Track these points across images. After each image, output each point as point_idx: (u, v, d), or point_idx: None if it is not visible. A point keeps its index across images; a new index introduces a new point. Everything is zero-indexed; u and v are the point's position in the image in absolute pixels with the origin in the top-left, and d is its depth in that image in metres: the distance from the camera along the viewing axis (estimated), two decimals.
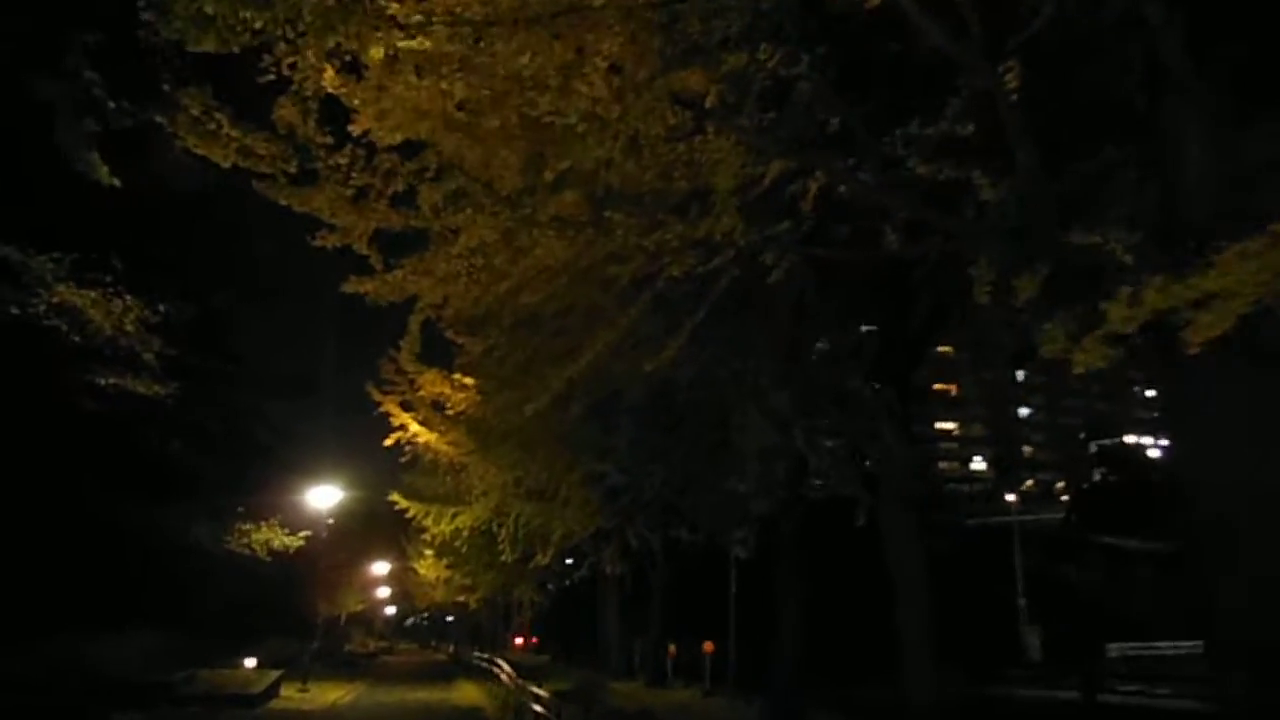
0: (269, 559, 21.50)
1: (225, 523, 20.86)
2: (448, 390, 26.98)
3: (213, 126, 5.80)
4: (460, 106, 6.59)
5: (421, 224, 7.66)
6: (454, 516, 27.38)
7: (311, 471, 24.56)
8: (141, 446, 15.61)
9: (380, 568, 58.54)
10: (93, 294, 12.54)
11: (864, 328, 11.84)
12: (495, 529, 27.27)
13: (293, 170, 6.35)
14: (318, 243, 7.47)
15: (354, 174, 6.73)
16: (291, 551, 21.69)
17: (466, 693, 24.44)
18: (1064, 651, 29.33)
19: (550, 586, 47.27)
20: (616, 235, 7.48)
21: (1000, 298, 6.75)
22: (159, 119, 8.26)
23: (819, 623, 16.35)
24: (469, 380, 26.91)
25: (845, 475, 11.78)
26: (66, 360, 12.76)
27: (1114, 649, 27.93)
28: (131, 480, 17.51)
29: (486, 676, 27.21)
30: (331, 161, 6.49)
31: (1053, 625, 31.38)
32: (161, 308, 13.45)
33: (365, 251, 7.93)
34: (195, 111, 5.76)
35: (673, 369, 13.03)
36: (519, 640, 67.71)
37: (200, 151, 6.05)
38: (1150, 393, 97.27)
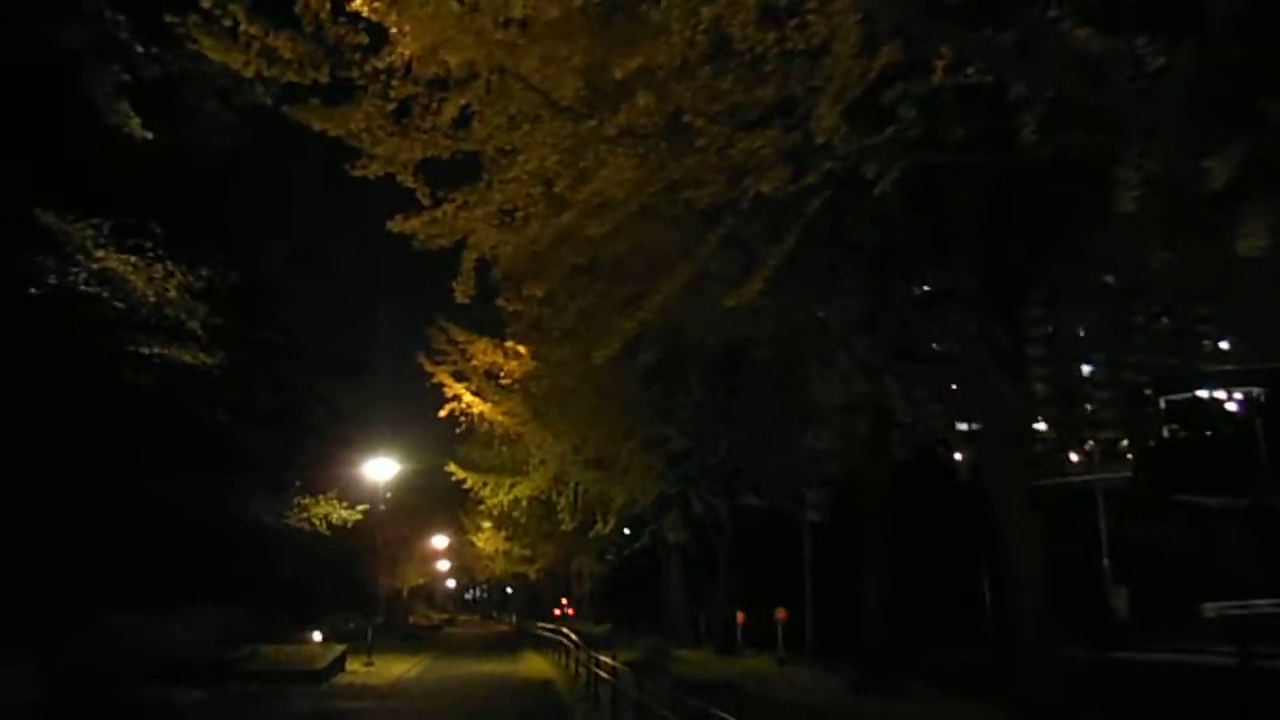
0: (328, 534, 21.17)
1: (284, 497, 20.54)
2: (500, 359, 26.44)
3: (229, 23, 4.96)
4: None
5: (473, 147, 6.76)
6: (511, 486, 26.88)
7: (367, 445, 24.20)
8: (197, 421, 15.19)
9: (439, 541, 59.16)
10: (133, 259, 11.97)
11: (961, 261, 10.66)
12: (554, 498, 26.71)
13: (324, 79, 5.47)
14: (357, 172, 6.62)
15: (394, 84, 5.83)
16: (349, 525, 21.34)
17: (533, 664, 24.02)
18: (1153, 612, 27.90)
19: (609, 556, 47.06)
20: (695, 148, 6.50)
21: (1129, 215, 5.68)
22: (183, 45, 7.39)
23: (903, 586, 15.33)
24: (523, 348, 26.30)
25: (942, 426, 10.69)
26: (110, 329, 12.24)
27: (1209, 608, 26.41)
28: (189, 456, 17.18)
29: (552, 647, 26.79)
30: (368, 67, 5.60)
31: (1139, 586, 29.88)
32: (204, 273, 12.85)
33: (410, 184, 7.07)
34: (207, 4, 4.91)
35: (749, 319, 12.08)
36: (557, 611, 67.91)
37: (217, 57, 5.22)
38: (1224, 344, 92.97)
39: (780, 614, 19.95)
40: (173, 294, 12.35)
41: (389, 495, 24.37)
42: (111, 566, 16.34)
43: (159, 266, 12.17)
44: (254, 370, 17.08)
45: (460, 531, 57.31)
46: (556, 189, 7.06)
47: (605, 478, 22.36)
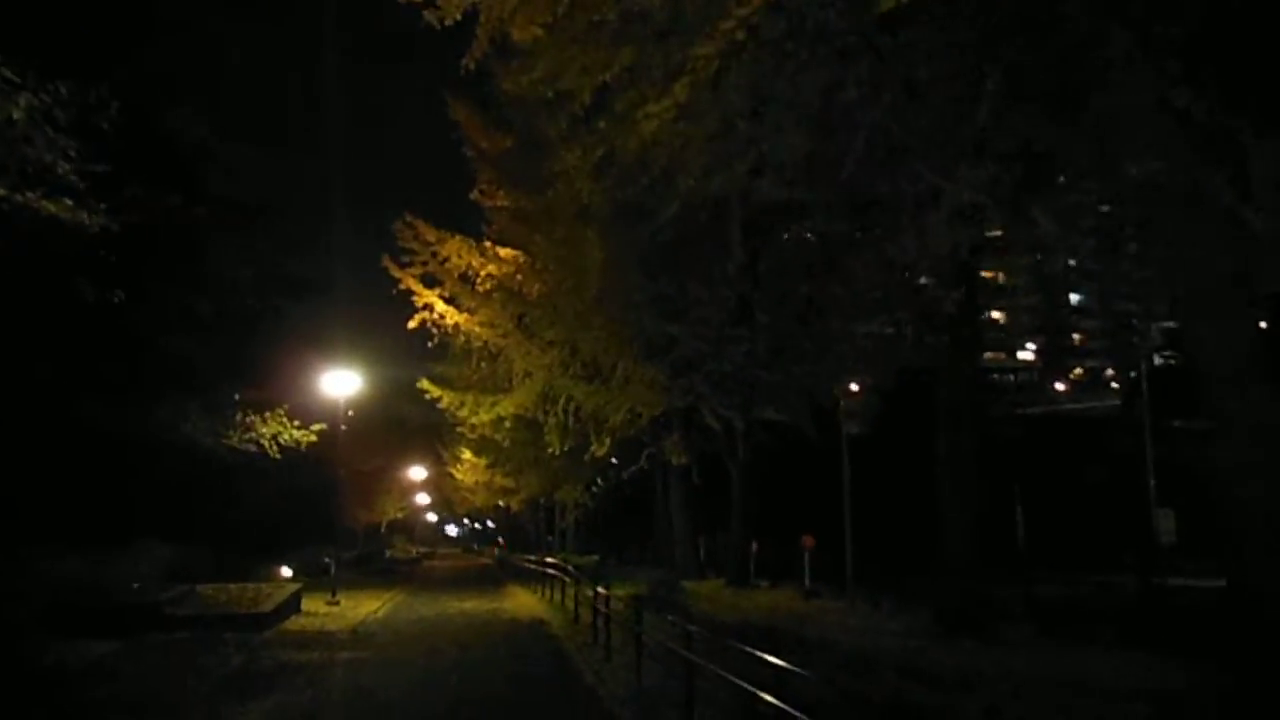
0: (278, 456, 18.07)
1: (223, 415, 17.37)
2: (477, 261, 23.09)
3: None
4: None
5: None
6: (493, 405, 23.87)
7: (322, 356, 20.97)
8: (84, 306, 11.98)
9: (417, 473, 56.67)
10: None
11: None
12: (541, 417, 23.77)
13: None
14: None
15: None
16: (304, 447, 18.20)
17: (519, 600, 21.31)
18: (1197, 535, 25.75)
19: (595, 486, 44.52)
20: None
21: None
22: None
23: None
24: (503, 250, 22.94)
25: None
26: None
27: None
28: (97, 371, 14.03)
29: (540, 581, 24.18)
30: None
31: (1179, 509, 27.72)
32: (68, 93, 9.42)
33: None
34: None
35: (810, 171, 9.01)
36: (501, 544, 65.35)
37: None
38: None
39: (807, 541, 17.28)
40: (17, 115, 8.95)
41: (351, 414, 21.26)
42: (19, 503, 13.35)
43: None
44: (176, 251, 13.76)
45: (439, 463, 54.87)
46: None
47: (601, 391, 19.38)
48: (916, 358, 15.25)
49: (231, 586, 15.54)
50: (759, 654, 6.32)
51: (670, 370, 17.98)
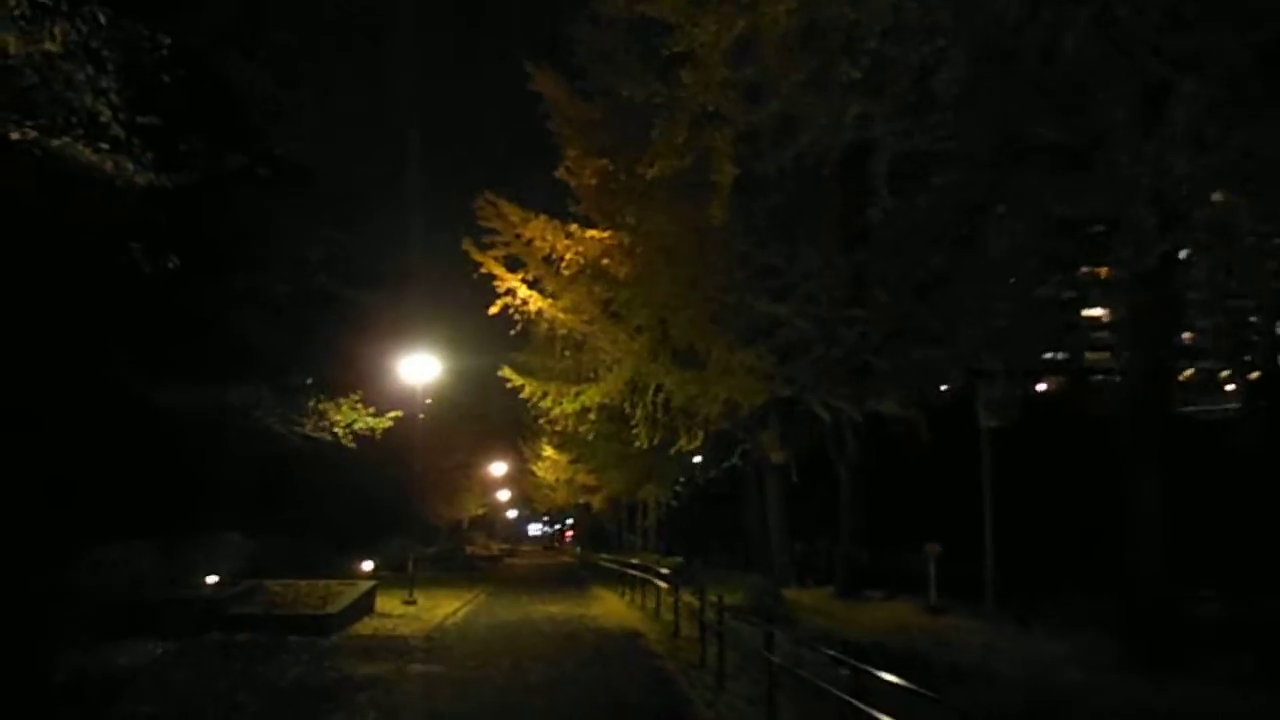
0: (353, 445, 17.01)
1: (295, 401, 16.37)
2: (562, 243, 21.65)
3: None
4: None
5: None
6: (577, 395, 22.46)
7: (401, 342, 19.86)
8: (166, 300, 11.04)
9: (498, 468, 56.22)
10: None
11: None
12: (629, 409, 22.24)
13: None
14: None
15: None
16: (378, 435, 17.11)
17: (608, 606, 19.76)
18: None
19: (680, 485, 42.84)
20: None
21: None
22: None
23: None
24: (591, 231, 21.44)
25: None
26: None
27: None
28: (162, 350, 13.09)
29: (626, 584, 22.65)
30: None
31: None
32: (107, 25, 8.26)
33: None
34: None
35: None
36: (568, 535, 63.14)
37: None
38: None
39: (933, 549, 15.23)
40: (52, 47, 7.79)
41: (430, 402, 20.11)
42: (81, 492, 12.49)
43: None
44: (231, 218, 12.68)
45: (520, 459, 54.19)
46: None
47: (695, 380, 17.65)
48: (1071, 341, 13.00)
49: (302, 583, 14.43)
50: (924, 692, 4.64)
51: (775, 355, 16.14)
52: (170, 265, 10.08)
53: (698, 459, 33.56)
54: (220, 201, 11.96)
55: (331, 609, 12.84)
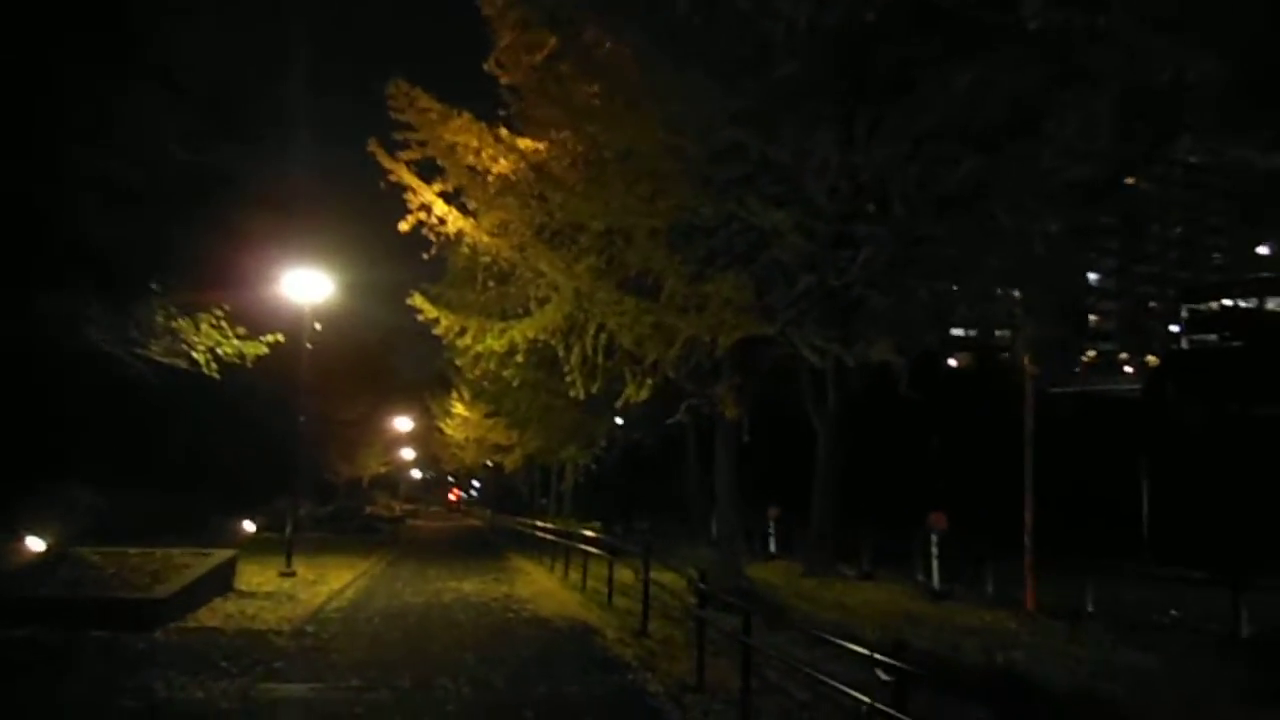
0: (218, 374, 13.27)
1: (137, 315, 12.54)
2: (490, 150, 18.14)
3: None
4: None
5: None
6: (503, 331, 19.02)
7: (283, 250, 15.99)
8: None
9: (404, 424, 52.39)
10: None
11: None
12: (564, 351, 18.97)
13: None
14: None
15: None
16: (250, 363, 13.36)
17: (536, 583, 16.44)
18: None
19: (600, 447, 39.73)
20: None
21: None
22: None
23: None
24: (526, 141, 17.96)
25: None
26: None
27: None
28: None
29: (547, 552, 19.57)
30: None
31: None
32: None
33: None
34: None
35: None
36: (452, 496, 60.03)
37: None
38: (1262, 249, 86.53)
39: (938, 520, 12.64)
40: None
41: (319, 327, 16.35)
42: None
43: None
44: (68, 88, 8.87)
45: (427, 415, 50.53)
46: None
47: (658, 309, 14.51)
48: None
49: (131, 552, 10.79)
50: None
51: (758, 280, 13.14)
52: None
53: (619, 420, 30.77)
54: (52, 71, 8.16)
55: (162, 590, 9.23)
